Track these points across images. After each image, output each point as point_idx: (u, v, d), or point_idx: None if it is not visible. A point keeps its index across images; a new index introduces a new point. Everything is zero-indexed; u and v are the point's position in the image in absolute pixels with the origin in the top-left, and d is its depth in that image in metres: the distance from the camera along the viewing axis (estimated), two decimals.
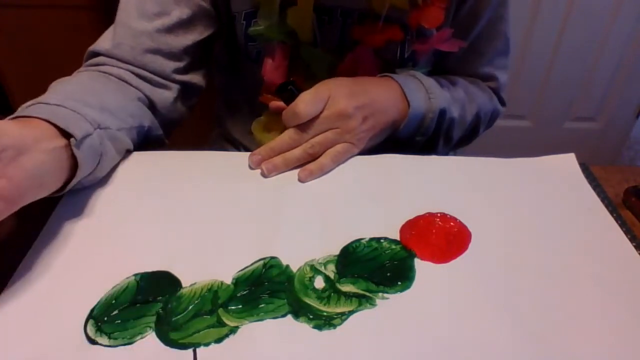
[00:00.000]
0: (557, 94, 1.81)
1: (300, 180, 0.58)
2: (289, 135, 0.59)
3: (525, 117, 1.86)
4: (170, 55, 0.66)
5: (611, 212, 0.54)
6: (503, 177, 0.59)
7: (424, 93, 0.66)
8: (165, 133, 0.70)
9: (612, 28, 1.67)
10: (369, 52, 0.67)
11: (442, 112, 0.67)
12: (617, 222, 0.53)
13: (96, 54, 0.65)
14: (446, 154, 0.76)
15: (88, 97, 0.55)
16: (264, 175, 0.58)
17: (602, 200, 0.56)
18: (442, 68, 0.78)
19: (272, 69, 0.68)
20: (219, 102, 0.89)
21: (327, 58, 0.68)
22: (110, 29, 0.66)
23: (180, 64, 0.68)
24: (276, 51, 0.68)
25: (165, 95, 0.67)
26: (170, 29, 0.65)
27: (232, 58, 0.78)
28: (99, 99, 0.56)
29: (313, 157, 0.59)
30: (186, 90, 0.70)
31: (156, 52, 0.65)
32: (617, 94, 1.83)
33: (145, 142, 0.66)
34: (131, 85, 0.64)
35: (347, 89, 0.60)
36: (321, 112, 0.59)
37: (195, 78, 0.71)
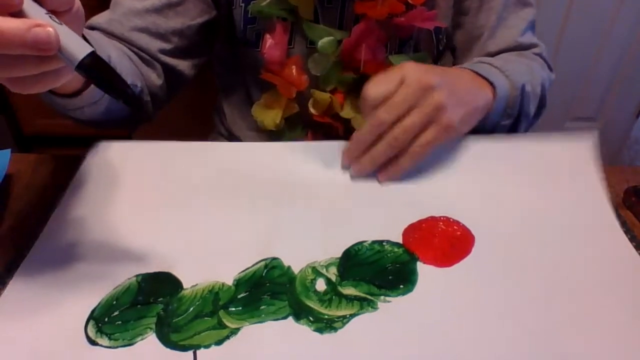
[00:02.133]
0: (557, 94, 1.81)
1: (380, 181, 0.56)
2: (369, 123, 0.54)
3: None
4: (157, 35, 0.67)
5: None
6: (509, 176, 0.58)
7: (500, 73, 0.63)
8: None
9: (612, 28, 1.67)
10: (374, 24, 0.67)
11: (523, 88, 0.65)
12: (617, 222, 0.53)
13: (92, 28, 0.65)
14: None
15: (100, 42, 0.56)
16: (353, 176, 0.57)
17: None
18: (478, 50, 0.76)
19: (272, 46, 0.68)
20: (219, 100, 0.89)
21: (332, 33, 0.67)
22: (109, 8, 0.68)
23: (167, 46, 0.68)
24: (276, 28, 0.68)
25: (150, 73, 0.68)
26: (159, 10, 0.66)
27: (231, 51, 0.78)
28: (106, 48, 0.58)
29: (399, 149, 0.54)
30: (170, 74, 0.70)
31: (143, 30, 0.66)
32: (617, 94, 1.83)
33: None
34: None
35: (425, 66, 0.55)
36: (398, 91, 0.53)
37: (182, 65, 0.71)
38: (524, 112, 0.67)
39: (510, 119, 0.65)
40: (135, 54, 0.66)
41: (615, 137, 1.94)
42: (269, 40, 0.69)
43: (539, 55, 0.76)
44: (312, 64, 0.69)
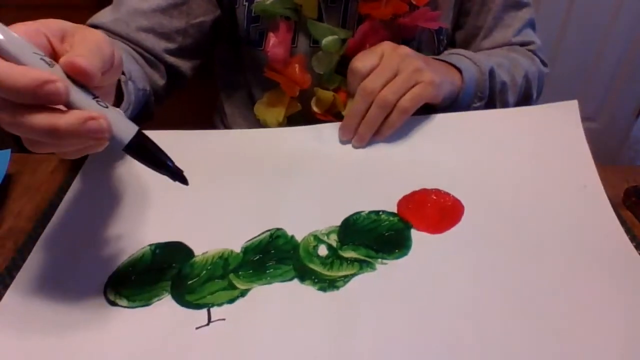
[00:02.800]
0: (557, 93, 1.80)
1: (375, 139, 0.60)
2: (359, 95, 0.59)
3: None
4: (163, 35, 0.68)
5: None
6: (498, 148, 0.61)
7: (468, 60, 0.68)
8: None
9: (612, 28, 1.68)
10: (378, 25, 0.69)
11: (492, 73, 0.69)
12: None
13: (94, 27, 0.65)
14: None
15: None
16: (355, 147, 0.61)
17: None
18: (474, 49, 0.79)
19: (275, 44, 0.70)
20: (219, 100, 0.90)
21: (335, 32, 0.69)
22: (111, 5, 0.68)
23: (171, 45, 0.69)
24: (280, 27, 0.69)
25: (153, 74, 0.69)
26: (165, 10, 0.68)
27: (232, 51, 0.80)
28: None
29: (389, 109, 0.59)
30: (172, 74, 0.72)
31: (149, 30, 0.67)
32: (617, 94, 1.84)
33: (144, 109, 0.67)
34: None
35: (397, 44, 0.62)
36: (381, 62, 0.59)
37: (184, 65, 0.73)
38: (498, 98, 0.71)
39: (481, 101, 0.69)
40: (140, 54, 0.67)
41: (615, 137, 1.95)
42: (272, 39, 0.70)
43: (533, 52, 0.79)
44: (316, 62, 0.71)
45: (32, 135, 0.34)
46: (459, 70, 0.66)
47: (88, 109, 0.35)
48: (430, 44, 0.77)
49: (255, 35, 0.73)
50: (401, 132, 0.62)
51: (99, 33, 0.38)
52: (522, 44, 0.79)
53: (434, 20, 0.70)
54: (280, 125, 0.74)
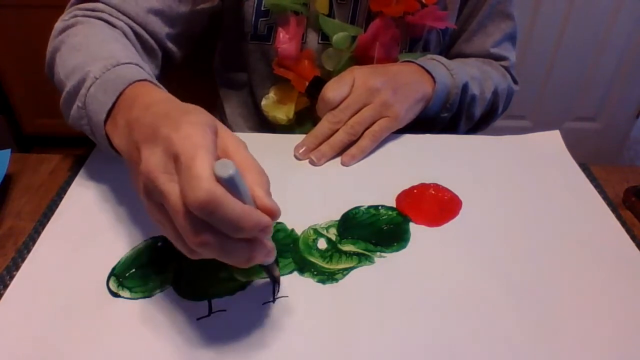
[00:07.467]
0: (557, 94, 1.83)
1: (344, 164, 0.60)
2: (327, 120, 0.62)
3: (525, 117, 1.88)
4: (169, 19, 0.66)
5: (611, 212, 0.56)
6: (492, 152, 0.63)
7: (445, 69, 0.69)
8: None
9: (612, 28, 1.69)
10: (389, 22, 0.69)
11: (465, 87, 0.69)
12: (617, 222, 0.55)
13: (104, 3, 0.62)
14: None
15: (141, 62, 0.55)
16: (313, 164, 0.61)
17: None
18: (454, 51, 0.81)
19: (286, 40, 0.70)
20: (220, 100, 0.89)
21: (346, 29, 0.70)
22: None
23: (173, 31, 0.68)
24: (290, 22, 0.69)
25: (150, 64, 0.66)
26: None
27: (235, 49, 0.79)
28: (127, 52, 0.56)
29: (355, 137, 0.61)
30: (165, 62, 0.70)
31: (158, 13, 0.65)
32: (617, 94, 1.84)
33: None
34: (130, 41, 0.62)
35: (370, 69, 0.64)
36: (351, 94, 0.62)
37: (177, 53, 0.71)
38: (465, 111, 0.73)
39: (449, 112, 0.71)
40: (140, 40, 0.64)
41: (615, 137, 1.95)
42: (282, 34, 0.70)
43: (506, 68, 0.81)
44: (326, 58, 0.71)
45: (228, 260, 0.36)
46: (433, 77, 0.67)
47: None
48: (437, 44, 0.77)
49: (263, 30, 0.73)
50: (399, 140, 0.64)
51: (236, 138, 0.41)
52: (498, 58, 0.80)
53: (442, 20, 0.71)
54: (290, 121, 0.74)
